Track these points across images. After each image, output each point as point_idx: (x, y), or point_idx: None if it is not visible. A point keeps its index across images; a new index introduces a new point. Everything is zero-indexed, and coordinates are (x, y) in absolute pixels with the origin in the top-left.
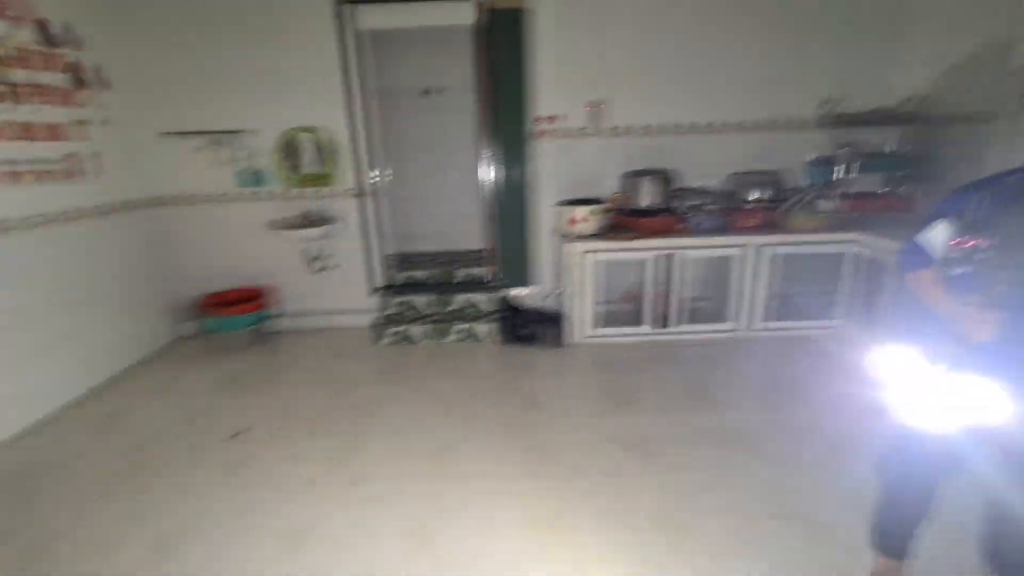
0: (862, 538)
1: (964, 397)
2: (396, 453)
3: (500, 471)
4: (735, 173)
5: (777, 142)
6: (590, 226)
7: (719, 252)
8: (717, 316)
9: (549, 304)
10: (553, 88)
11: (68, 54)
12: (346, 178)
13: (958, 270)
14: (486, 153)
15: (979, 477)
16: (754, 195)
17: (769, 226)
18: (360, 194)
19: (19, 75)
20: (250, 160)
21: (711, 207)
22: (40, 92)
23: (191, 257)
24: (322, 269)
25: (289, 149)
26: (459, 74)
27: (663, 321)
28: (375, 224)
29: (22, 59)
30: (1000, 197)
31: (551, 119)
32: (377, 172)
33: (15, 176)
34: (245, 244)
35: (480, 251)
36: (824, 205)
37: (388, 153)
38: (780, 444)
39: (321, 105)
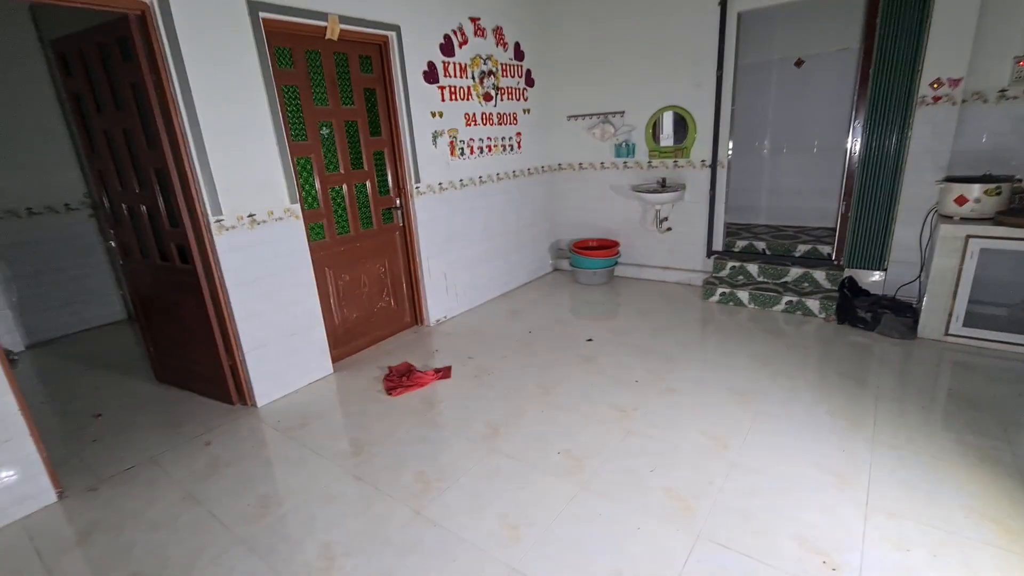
0: None
1: None
2: (704, 380)
3: (797, 421)
4: None
5: None
6: (985, 208)
7: None
8: None
9: (901, 293)
10: (957, 46)
11: (522, 65)
12: (700, 150)
13: None
14: (857, 123)
15: None
16: None
17: None
18: (712, 165)
19: (502, 81)
20: (624, 135)
21: None
22: (509, 92)
23: (572, 210)
24: (668, 229)
25: (655, 125)
26: (826, 43)
27: None
28: (722, 194)
29: (504, 70)
30: None
31: (952, 82)
32: (731, 145)
33: (491, 148)
34: (611, 203)
35: (825, 228)
36: None
37: (742, 127)
38: None
39: (686, 86)
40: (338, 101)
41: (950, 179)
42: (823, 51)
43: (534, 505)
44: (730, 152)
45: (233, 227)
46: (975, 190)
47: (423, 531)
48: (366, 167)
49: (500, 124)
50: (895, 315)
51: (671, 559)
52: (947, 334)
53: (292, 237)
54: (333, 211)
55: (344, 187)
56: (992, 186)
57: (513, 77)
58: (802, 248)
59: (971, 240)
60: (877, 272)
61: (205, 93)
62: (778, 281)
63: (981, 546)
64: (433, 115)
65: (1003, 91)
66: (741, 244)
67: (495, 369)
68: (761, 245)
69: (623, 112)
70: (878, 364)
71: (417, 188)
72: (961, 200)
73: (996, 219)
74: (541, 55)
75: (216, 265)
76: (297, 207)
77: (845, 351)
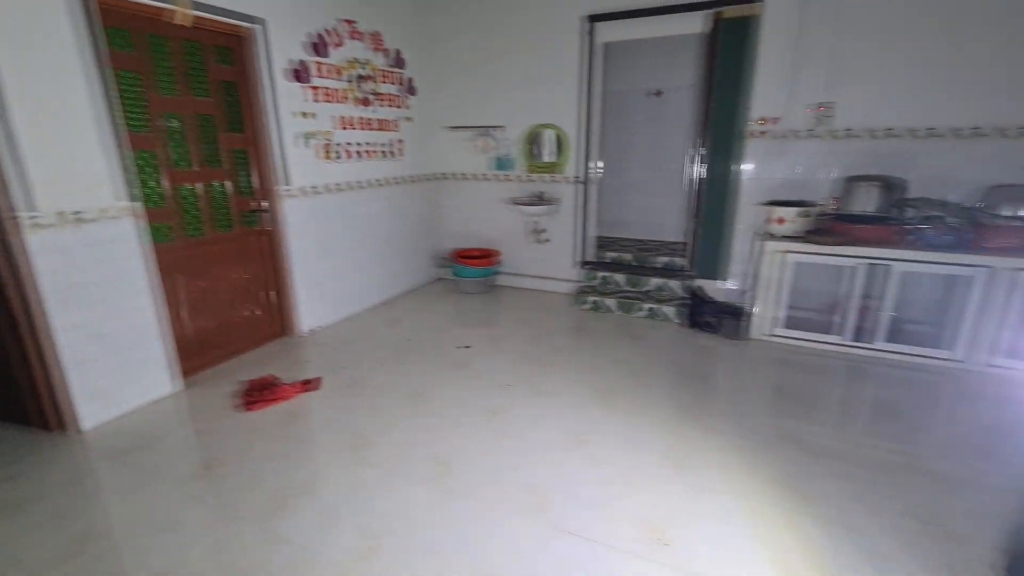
0: (995, 564)
1: None
2: (571, 382)
3: (649, 415)
4: (999, 186)
5: None
6: (795, 227)
7: (952, 271)
8: (935, 341)
9: (736, 299)
10: (775, 91)
11: (403, 73)
12: (571, 167)
13: None
14: (697, 151)
15: None
16: (1019, 212)
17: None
18: (581, 181)
19: (382, 87)
20: (504, 149)
21: (953, 220)
22: (389, 99)
23: (452, 219)
24: (545, 241)
25: (532, 141)
26: (682, 77)
27: (863, 335)
28: (591, 208)
29: (383, 76)
30: None
31: (769, 120)
32: (597, 164)
33: (370, 153)
34: (488, 214)
35: (680, 243)
36: None
37: (609, 147)
38: (961, 473)
39: (560, 105)
40: (190, 92)
41: (772, 203)
42: (678, 85)
43: (397, 514)
44: (600, 170)
45: (52, 225)
46: (791, 213)
47: (274, 551)
48: (225, 165)
49: (380, 130)
50: (733, 319)
51: (525, 553)
52: (772, 335)
53: (129, 238)
54: (183, 211)
55: (197, 186)
56: (803, 209)
57: (394, 84)
58: (661, 260)
59: (788, 255)
60: (720, 282)
61: (16, 72)
62: (641, 290)
63: (785, 512)
64: (304, 115)
65: (810, 130)
66: (611, 255)
67: (369, 378)
68: (628, 257)
69: (503, 126)
70: (719, 362)
71: (287, 190)
72: (780, 221)
73: (806, 237)
74: (424, 65)
75: (26, 268)
76: (138, 205)
77: (693, 352)
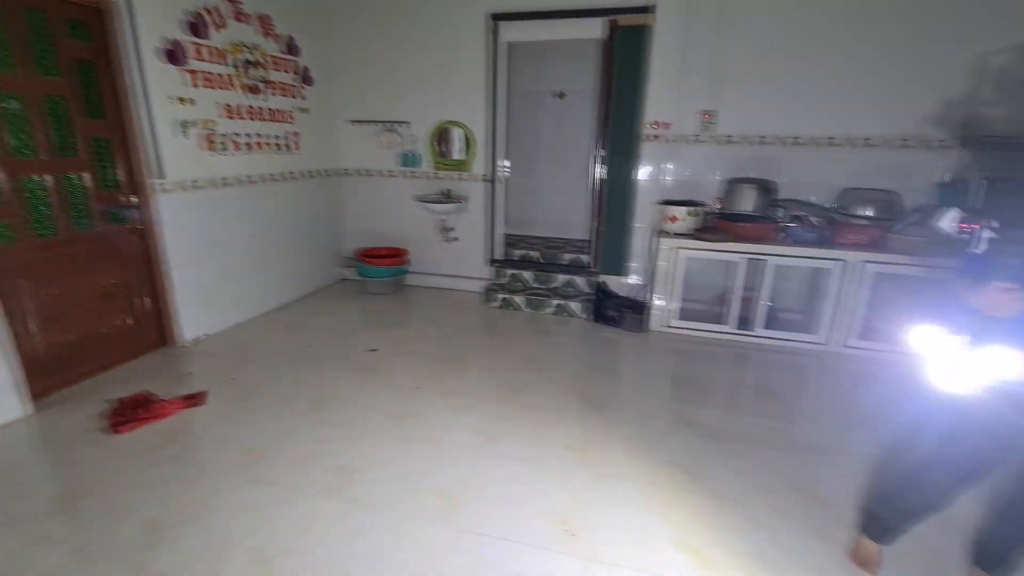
0: (853, 521)
1: (992, 366)
2: (480, 381)
3: (556, 410)
4: (849, 188)
5: (901, 160)
6: (686, 225)
7: (816, 264)
8: (804, 327)
9: (638, 294)
10: (666, 97)
11: (297, 61)
12: (480, 165)
13: (975, 250)
14: (599, 153)
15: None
16: (866, 212)
17: (876, 245)
18: (489, 180)
19: (273, 75)
20: (410, 145)
21: (814, 219)
22: (281, 88)
23: (356, 217)
24: (454, 239)
25: (439, 138)
26: (584, 81)
27: (745, 324)
28: (499, 207)
29: (274, 63)
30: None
31: (662, 125)
32: (504, 163)
33: (261, 145)
34: (396, 212)
35: (585, 240)
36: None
37: (516, 146)
38: (826, 443)
39: (466, 103)
40: (33, 70)
41: (666, 202)
42: (580, 88)
43: (295, 532)
44: (507, 169)
45: None
46: (682, 212)
47: None
48: (83, 155)
49: (273, 120)
50: (634, 313)
51: (434, 558)
52: (669, 326)
53: None
54: (29, 207)
55: (46, 177)
56: (692, 209)
57: (287, 72)
58: (567, 257)
59: (681, 251)
60: (622, 277)
61: None
62: (548, 287)
63: (682, 492)
64: (182, 101)
65: (697, 136)
66: (519, 253)
67: (264, 389)
68: (536, 255)
69: (408, 122)
70: (621, 355)
71: (161, 184)
72: (673, 219)
73: (696, 235)
74: (321, 54)
75: None
76: None
77: (598, 345)
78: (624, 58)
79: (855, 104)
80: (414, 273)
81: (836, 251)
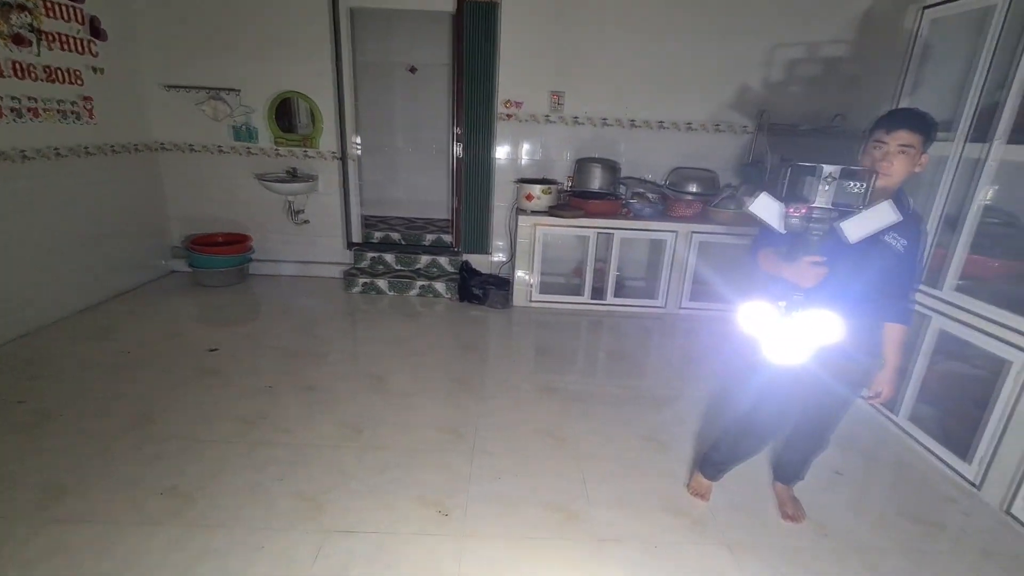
0: (691, 460)
1: (807, 329)
2: (343, 372)
3: (425, 393)
4: (678, 168)
5: (716, 143)
6: (543, 203)
7: (655, 236)
8: (649, 293)
9: (501, 271)
10: (518, 76)
11: (80, 8)
12: (329, 141)
13: (794, 231)
14: (456, 131)
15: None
16: (691, 188)
17: (700, 217)
18: (342, 157)
19: (47, 23)
20: (245, 116)
21: (651, 195)
22: (61, 41)
23: (186, 200)
24: (305, 222)
25: (281, 110)
26: (437, 56)
27: (600, 293)
28: (355, 186)
29: (48, 9)
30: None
31: (516, 104)
32: (355, 139)
33: (37, 112)
34: (235, 193)
35: (447, 220)
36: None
37: (369, 123)
38: (668, 395)
39: (309, 72)
40: None
41: (523, 180)
42: (433, 63)
43: (122, 570)
44: (359, 146)
45: None
46: (537, 190)
47: None
48: None
49: (51, 81)
50: (498, 290)
51: (297, 567)
52: (531, 300)
53: None
54: None
55: None
56: (547, 187)
57: (67, 21)
58: (430, 237)
59: (538, 228)
60: (485, 255)
61: None
62: (412, 268)
63: (549, 457)
64: None
65: (547, 116)
66: (379, 235)
67: (66, 409)
68: (396, 236)
69: (238, 90)
70: (488, 331)
71: None
72: (529, 197)
73: (551, 212)
74: (116, 2)
75: None
76: None
77: (464, 324)
78: (474, 34)
79: (680, 91)
80: (260, 261)
81: (669, 223)
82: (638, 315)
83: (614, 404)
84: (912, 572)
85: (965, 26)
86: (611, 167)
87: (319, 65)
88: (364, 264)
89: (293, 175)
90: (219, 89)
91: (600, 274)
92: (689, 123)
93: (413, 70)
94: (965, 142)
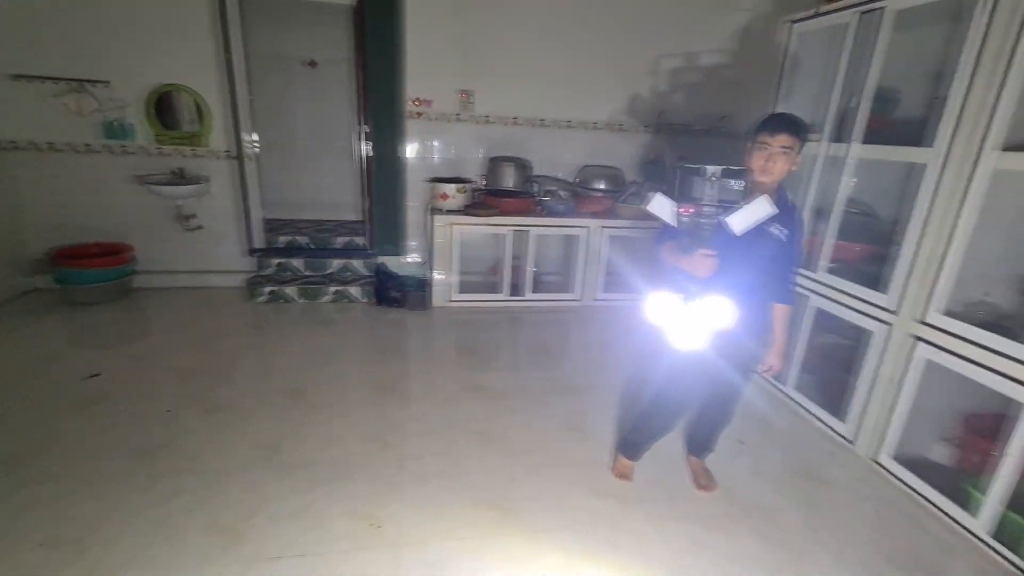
0: (613, 444)
1: (705, 315)
2: (254, 389)
3: (347, 403)
4: (586, 165)
5: (620, 141)
6: (457, 202)
7: (568, 232)
8: (565, 287)
9: (418, 272)
10: (425, 73)
11: None
12: (222, 139)
13: (687, 227)
14: (364, 129)
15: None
16: (599, 185)
17: (609, 213)
18: (236, 157)
19: None
20: (117, 112)
21: (563, 193)
22: None
23: (48, 206)
24: (196, 228)
25: (162, 105)
26: (338, 50)
27: (517, 290)
28: (254, 188)
29: None
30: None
31: (424, 102)
32: (252, 137)
33: None
34: (109, 197)
35: (359, 221)
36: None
37: (267, 120)
38: (587, 384)
39: (194, 63)
40: None
41: (436, 180)
42: (334, 57)
43: None
44: (256, 144)
45: None
46: (452, 189)
47: None
48: None
49: None
50: (416, 291)
51: None
52: (450, 300)
53: None
54: None
55: None
56: (461, 186)
57: None
58: (341, 240)
59: (454, 227)
60: (401, 257)
61: None
62: (323, 273)
63: (477, 455)
64: None
65: (458, 114)
66: (284, 240)
67: None
68: (304, 239)
69: (107, 82)
70: (408, 334)
71: None
72: (444, 196)
73: (466, 211)
74: None
75: None
76: None
77: (384, 328)
78: (377, 29)
79: (585, 92)
80: (145, 273)
81: (581, 220)
82: (556, 309)
83: (538, 397)
84: (805, 522)
85: (827, 40)
86: (523, 165)
87: (205, 56)
88: (269, 271)
89: (180, 176)
90: (83, 81)
91: (518, 271)
92: (595, 122)
93: (313, 64)
94: (829, 142)
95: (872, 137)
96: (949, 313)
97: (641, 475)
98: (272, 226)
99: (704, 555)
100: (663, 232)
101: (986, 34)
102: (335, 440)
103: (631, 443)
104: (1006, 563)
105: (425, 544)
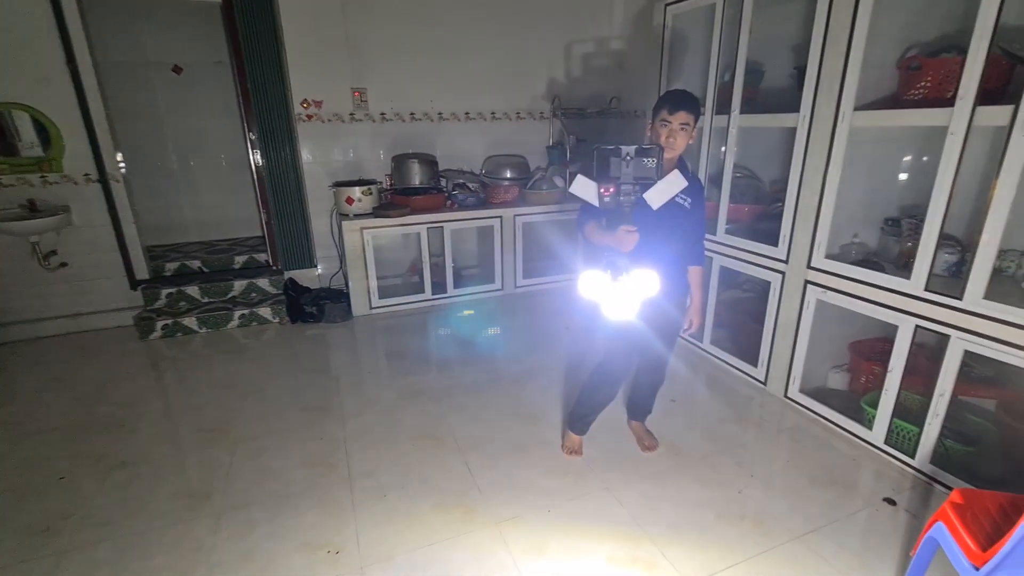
0: (560, 423)
1: (633, 287)
2: (162, 436)
3: (278, 431)
4: (491, 156)
5: (521, 129)
6: (366, 205)
7: (481, 223)
8: (486, 278)
9: (333, 283)
10: (312, 73)
11: None
12: (78, 163)
13: (609, 206)
14: (251, 136)
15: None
16: (506, 174)
17: (519, 200)
18: (100, 180)
19: None
20: None
21: (472, 185)
22: None
23: None
24: (60, 265)
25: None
26: (208, 53)
27: (440, 287)
28: (126, 213)
29: None
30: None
31: (315, 103)
32: (116, 157)
33: None
34: None
35: (259, 236)
36: (559, 181)
37: (132, 135)
38: (525, 370)
39: (31, 77)
40: None
41: (339, 184)
42: (201, 60)
43: None
44: (122, 165)
45: None
46: (357, 192)
47: None
48: None
49: None
50: (334, 303)
51: None
52: (372, 308)
53: None
54: None
55: None
56: (366, 188)
57: None
58: (240, 259)
59: (365, 231)
60: (312, 269)
61: None
62: (225, 298)
63: (433, 459)
64: None
65: (352, 114)
66: (173, 267)
67: None
68: (196, 264)
69: None
70: (331, 349)
71: None
72: (350, 200)
73: (376, 213)
74: None
75: None
76: None
77: (303, 346)
78: (252, 27)
79: (481, 83)
80: (8, 324)
81: (493, 210)
82: (480, 301)
83: (480, 391)
84: (738, 461)
85: (700, 20)
86: (429, 161)
87: (43, 69)
88: (160, 303)
89: (31, 208)
90: None
91: (437, 268)
92: (493, 112)
93: (178, 70)
94: (713, 115)
95: (748, 107)
96: (829, 256)
97: (590, 449)
98: (156, 253)
99: (661, 509)
100: (585, 211)
101: (830, 9)
102: (270, 473)
103: (578, 416)
104: (900, 464)
105: (391, 558)
